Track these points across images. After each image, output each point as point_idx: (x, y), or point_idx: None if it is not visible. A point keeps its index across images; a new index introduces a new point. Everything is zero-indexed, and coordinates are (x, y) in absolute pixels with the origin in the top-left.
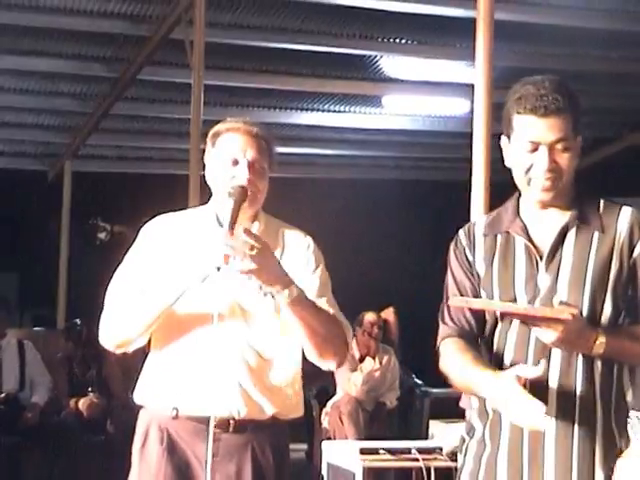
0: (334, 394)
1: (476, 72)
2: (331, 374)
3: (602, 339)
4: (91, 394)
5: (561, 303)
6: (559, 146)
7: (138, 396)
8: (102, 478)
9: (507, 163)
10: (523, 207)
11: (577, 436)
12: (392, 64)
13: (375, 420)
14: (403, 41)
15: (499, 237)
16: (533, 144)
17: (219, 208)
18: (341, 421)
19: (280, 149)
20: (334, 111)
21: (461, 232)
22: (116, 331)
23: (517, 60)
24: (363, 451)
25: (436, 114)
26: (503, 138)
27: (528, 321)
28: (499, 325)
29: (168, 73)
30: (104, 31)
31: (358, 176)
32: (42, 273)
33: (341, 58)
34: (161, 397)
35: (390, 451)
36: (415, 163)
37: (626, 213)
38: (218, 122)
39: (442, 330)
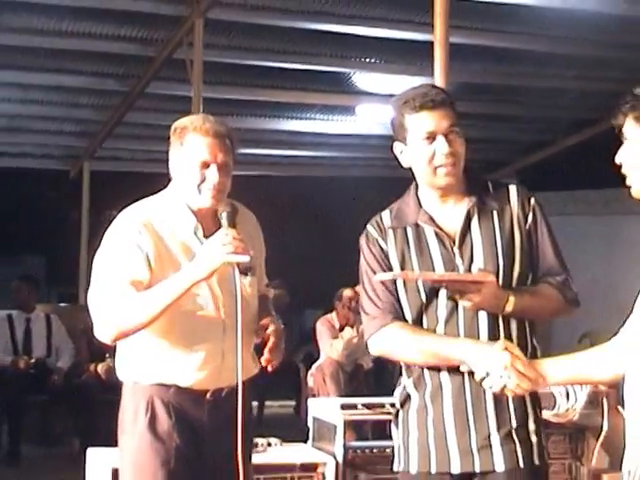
0: (318, 358)
1: None
2: (315, 341)
3: (512, 298)
4: (108, 359)
5: (480, 270)
6: (452, 132)
7: (134, 374)
8: (116, 430)
9: (405, 164)
10: (424, 200)
11: None
12: (363, 79)
13: (353, 380)
14: (373, 60)
15: (409, 229)
16: (430, 134)
17: (189, 199)
18: (324, 381)
19: (268, 151)
20: (315, 119)
21: (369, 227)
22: (118, 328)
23: (469, 77)
24: (343, 406)
25: None
26: (396, 145)
27: (456, 287)
28: (425, 310)
29: (172, 87)
30: (117, 52)
31: (336, 174)
32: (66, 257)
33: (320, 74)
34: (163, 374)
35: (367, 406)
36: (384, 163)
37: (513, 190)
38: None
39: (377, 319)
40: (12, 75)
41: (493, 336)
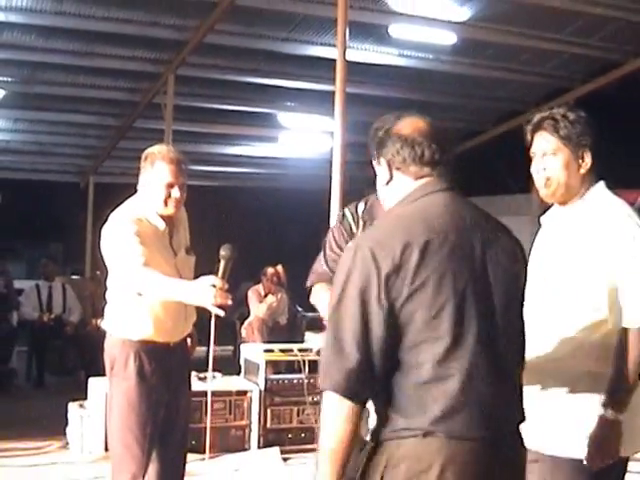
0: (249, 316)
1: (335, 123)
2: (247, 305)
3: None
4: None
5: None
6: None
7: (125, 333)
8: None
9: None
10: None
11: None
12: (285, 118)
13: (273, 332)
14: (291, 104)
15: None
16: None
17: (157, 208)
18: (253, 332)
19: (217, 169)
20: (250, 145)
21: (347, 211)
22: (144, 290)
23: (359, 117)
24: (265, 350)
25: (311, 149)
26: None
27: None
28: None
29: (151, 123)
30: (113, 98)
31: (263, 185)
32: (76, 243)
33: (255, 114)
34: (147, 333)
35: (282, 350)
36: (297, 178)
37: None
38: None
39: (317, 275)
40: (41, 115)
41: None
